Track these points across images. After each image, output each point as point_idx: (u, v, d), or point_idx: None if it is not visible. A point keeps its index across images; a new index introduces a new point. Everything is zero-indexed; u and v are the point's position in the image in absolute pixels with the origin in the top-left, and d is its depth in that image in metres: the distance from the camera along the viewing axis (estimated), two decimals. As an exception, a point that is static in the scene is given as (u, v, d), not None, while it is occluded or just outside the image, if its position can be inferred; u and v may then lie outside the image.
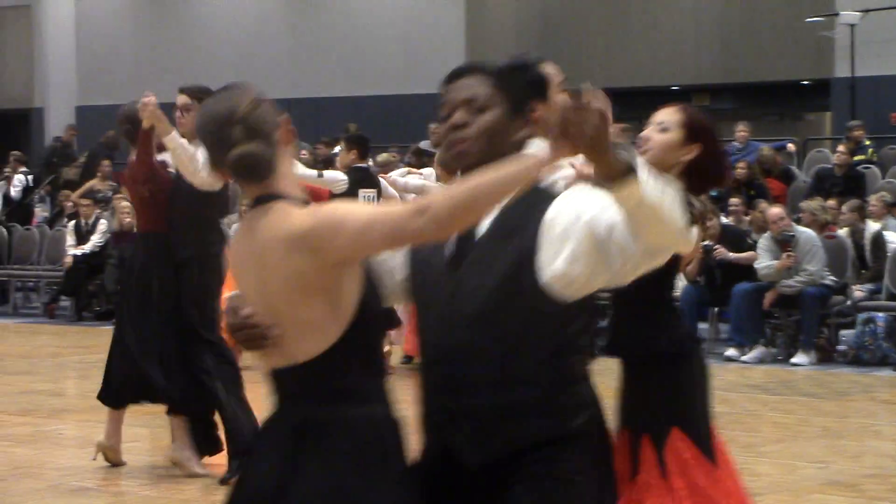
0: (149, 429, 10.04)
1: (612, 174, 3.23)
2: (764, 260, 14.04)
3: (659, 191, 3.27)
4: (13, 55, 29.53)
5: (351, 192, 12.24)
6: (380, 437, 3.41)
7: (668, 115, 4.67)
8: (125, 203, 16.67)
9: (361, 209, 3.35)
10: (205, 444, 8.61)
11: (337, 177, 12.32)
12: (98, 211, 18.79)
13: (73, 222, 18.83)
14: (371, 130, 22.47)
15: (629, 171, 3.23)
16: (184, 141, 8.42)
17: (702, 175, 4.72)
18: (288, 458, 3.38)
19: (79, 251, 18.24)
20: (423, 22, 25.49)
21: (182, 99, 8.69)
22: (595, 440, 3.60)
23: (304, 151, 21.06)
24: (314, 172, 12.39)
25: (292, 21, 26.95)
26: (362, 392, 3.43)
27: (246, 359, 9.32)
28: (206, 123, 3.50)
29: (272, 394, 3.48)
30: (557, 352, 3.53)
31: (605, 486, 3.64)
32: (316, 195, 12.46)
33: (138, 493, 8.16)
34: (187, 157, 8.40)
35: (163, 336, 8.48)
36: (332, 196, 12.19)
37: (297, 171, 11.08)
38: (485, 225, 3.54)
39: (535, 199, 3.51)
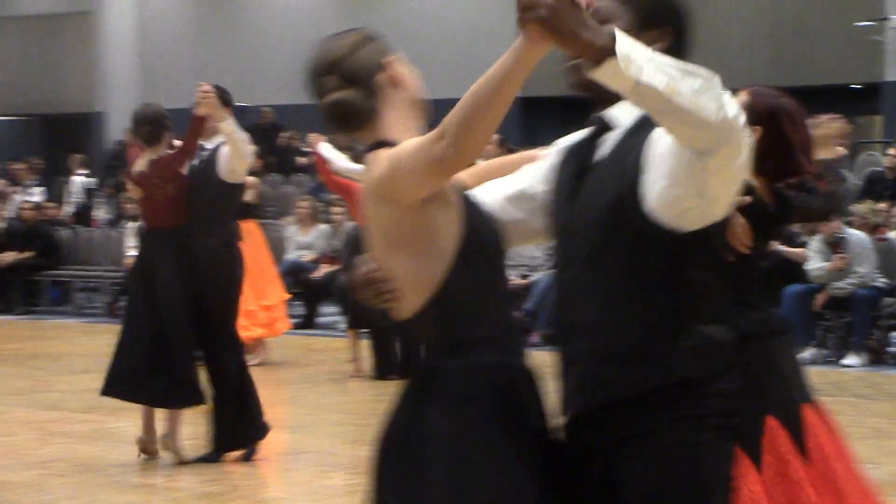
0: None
1: (593, 57, 2.91)
2: (815, 262, 14.14)
3: (668, 73, 2.92)
4: (76, 60, 29.88)
5: None
6: (493, 388, 3.25)
7: None
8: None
9: (406, 147, 3.20)
10: (231, 438, 8.86)
11: None
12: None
13: (134, 223, 19.07)
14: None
15: (607, 49, 2.89)
16: (236, 127, 8.74)
17: (770, 161, 4.39)
18: (413, 404, 3.29)
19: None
20: (479, 29, 25.62)
21: (206, 87, 9.03)
22: (715, 393, 3.18)
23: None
24: (360, 166, 12.60)
25: (349, 24, 27.15)
26: (477, 341, 3.26)
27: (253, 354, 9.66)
28: (306, 73, 3.41)
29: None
30: (666, 290, 3.17)
31: (722, 452, 3.21)
32: (349, 191, 12.72)
33: (198, 490, 8.29)
34: (241, 141, 8.77)
35: (178, 332, 8.73)
36: None
37: (344, 163, 11.53)
38: (605, 150, 3.27)
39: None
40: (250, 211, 13.32)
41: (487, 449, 3.20)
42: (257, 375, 12.57)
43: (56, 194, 22.95)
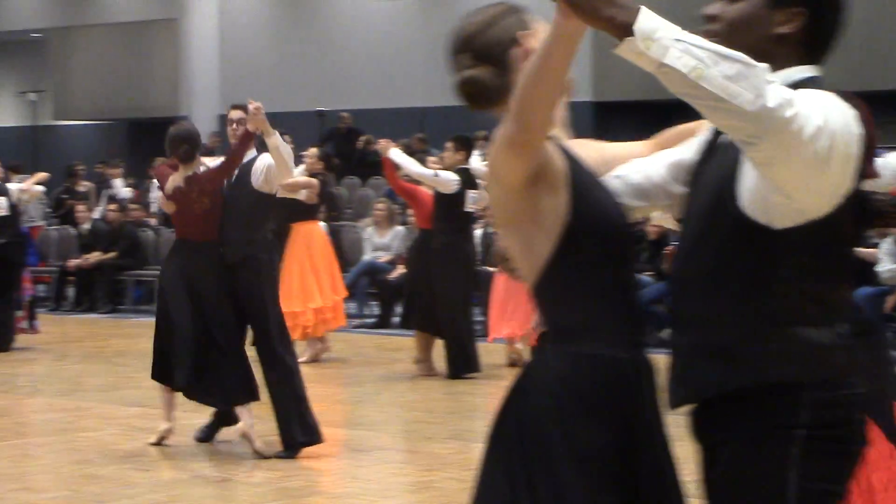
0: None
1: (615, 34, 2.85)
2: (886, 263, 14.17)
3: (696, 56, 2.76)
4: (160, 65, 30.30)
5: (459, 193, 12.62)
6: (594, 378, 3.17)
7: None
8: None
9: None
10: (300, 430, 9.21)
11: (450, 178, 12.62)
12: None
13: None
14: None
15: (628, 27, 2.82)
16: (282, 141, 9.14)
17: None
18: (520, 382, 3.25)
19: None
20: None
21: (237, 113, 9.44)
22: (811, 403, 2.96)
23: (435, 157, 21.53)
24: (431, 171, 12.75)
25: (429, 30, 27.32)
26: (582, 327, 3.19)
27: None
28: (446, 50, 3.34)
29: None
30: (760, 289, 2.99)
31: (813, 469, 2.98)
32: (416, 196, 12.89)
33: (275, 485, 8.46)
34: (287, 156, 9.15)
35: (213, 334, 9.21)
36: (443, 197, 12.56)
37: (415, 167, 11.93)
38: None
39: None
40: (308, 212, 13.57)
41: (564, 440, 3.12)
42: (332, 374, 12.85)
43: (141, 196, 23.34)
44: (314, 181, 13.81)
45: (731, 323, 3.01)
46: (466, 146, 13.00)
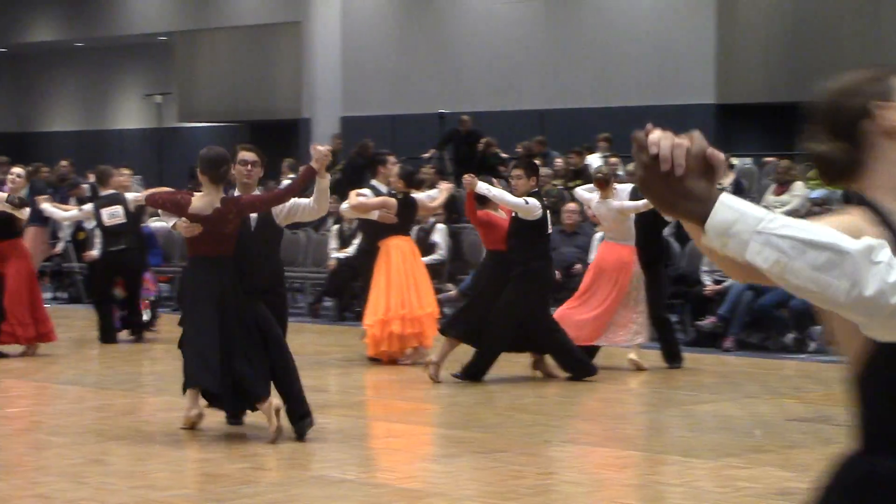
0: (412, 425, 10.56)
1: (697, 225, 2.67)
2: None
3: (779, 249, 2.60)
4: (283, 68, 30.61)
5: (542, 219, 12.77)
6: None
7: None
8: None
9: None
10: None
11: (536, 204, 12.72)
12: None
13: (336, 226, 19.44)
14: (621, 141, 22.75)
15: (702, 221, 2.64)
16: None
17: None
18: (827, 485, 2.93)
19: (342, 254, 18.76)
20: (674, 36, 25.55)
21: (251, 155, 10.14)
22: None
23: (557, 160, 21.50)
24: (521, 200, 12.82)
25: (550, 33, 27.29)
26: None
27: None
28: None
29: None
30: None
31: None
32: (492, 224, 12.90)
33: (395, 486, 8.50)
34: (328, 200, 10.00)
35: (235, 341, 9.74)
36: (524, 223, 12.64)
37: (507, 197, 12.25)
38: None
39: None
40: (393, 228, 14.14)
41: None
42: (450, 377, 12.85)
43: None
44: (391, 201, 14.00)
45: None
46: (535, 171, 13.16)
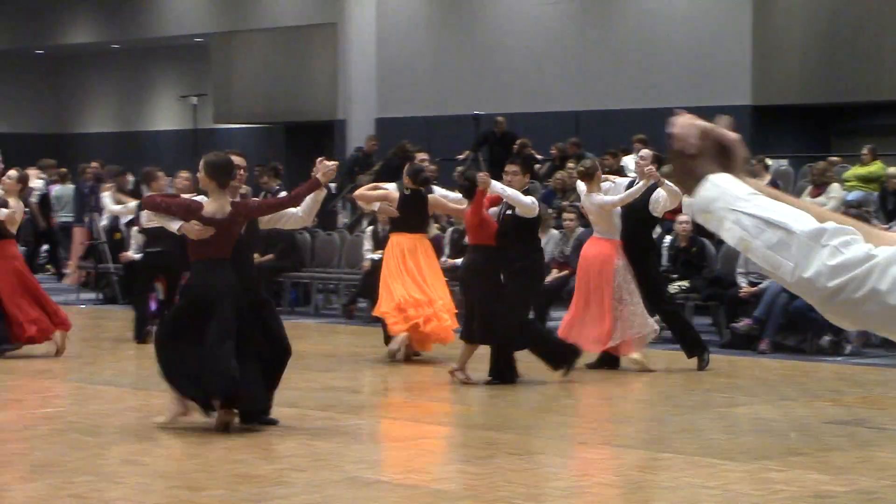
0: (445, 426, 10.57)
1: None
2: None
3: (744, 227, 2.67)
4: (320, 70, 30.67)
5: (539, 215, 13.03)
6: None
7: None
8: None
9: None
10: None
11: (535, 202, 12.93)
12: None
13: (370, 228, 19.48)
14: (656, 142, 22.70)
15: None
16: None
17: None
18: None
19: (376, 255, 18.82)
20: (710, 36, 25.47)
21: (240, 160, 10.61)
22: None
23: (589, 160, 21.44)
24: (530, 198, 12.94)
25: (585, 34, 27.26)
26: None
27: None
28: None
29: None
30: None
31: None
32: (488, 221, 12.92)
33: (432, 488, 8.51)
34: (317, 209, 10.68)
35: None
36: (522, 219, 12.70)
37: (519, 196, 12.49)
38: None
39: None
40: (402, 223, 14.44)
41: None
42: (484, 377, 12.84)
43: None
44: (392, 194, 14.07)
45: None
46: (531, 167, 13.47)
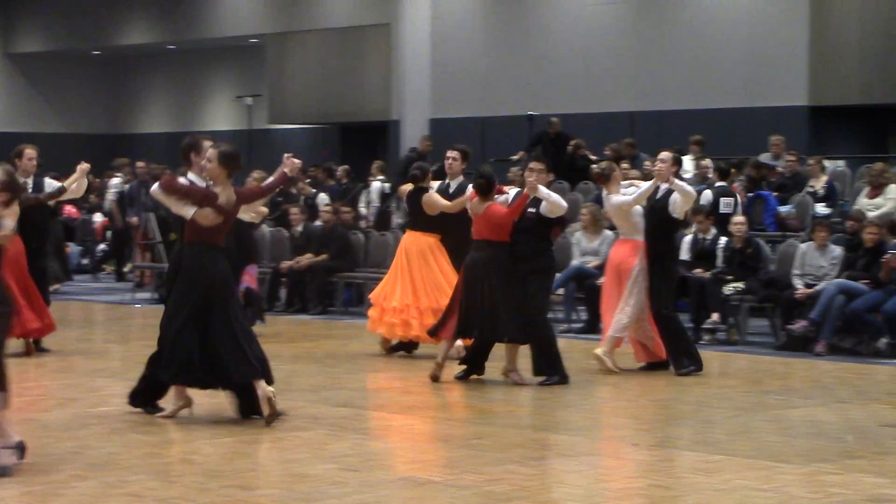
0: (498, 427, 10.55)
1: None
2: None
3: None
4: (374, 70, 30.72)
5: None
6: None
7: None
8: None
9: None
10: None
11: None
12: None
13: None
14: (712, 143, 22.59)
15: None
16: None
17: None
18: None
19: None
20: (767, 38, 25.31)
21: (210, 149, 10.69)
22: None
23: (646, 162, 21.37)
24: (565, 203, 13.06)
25: (639, 35, 27.16)
26: None
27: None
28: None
29: None
30: None
31: None
32: (493, 219, 12.86)
33: (481, 489, 8.49)
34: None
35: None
36: (542, 218, 12.85)
37: (554, 195, 12.65)
38: None
39: None
40: (412, 221, 14.70)
41: None
42: (531, 381, 12.82)
43: (352, 199, 23.65)
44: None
45: None
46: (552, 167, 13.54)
